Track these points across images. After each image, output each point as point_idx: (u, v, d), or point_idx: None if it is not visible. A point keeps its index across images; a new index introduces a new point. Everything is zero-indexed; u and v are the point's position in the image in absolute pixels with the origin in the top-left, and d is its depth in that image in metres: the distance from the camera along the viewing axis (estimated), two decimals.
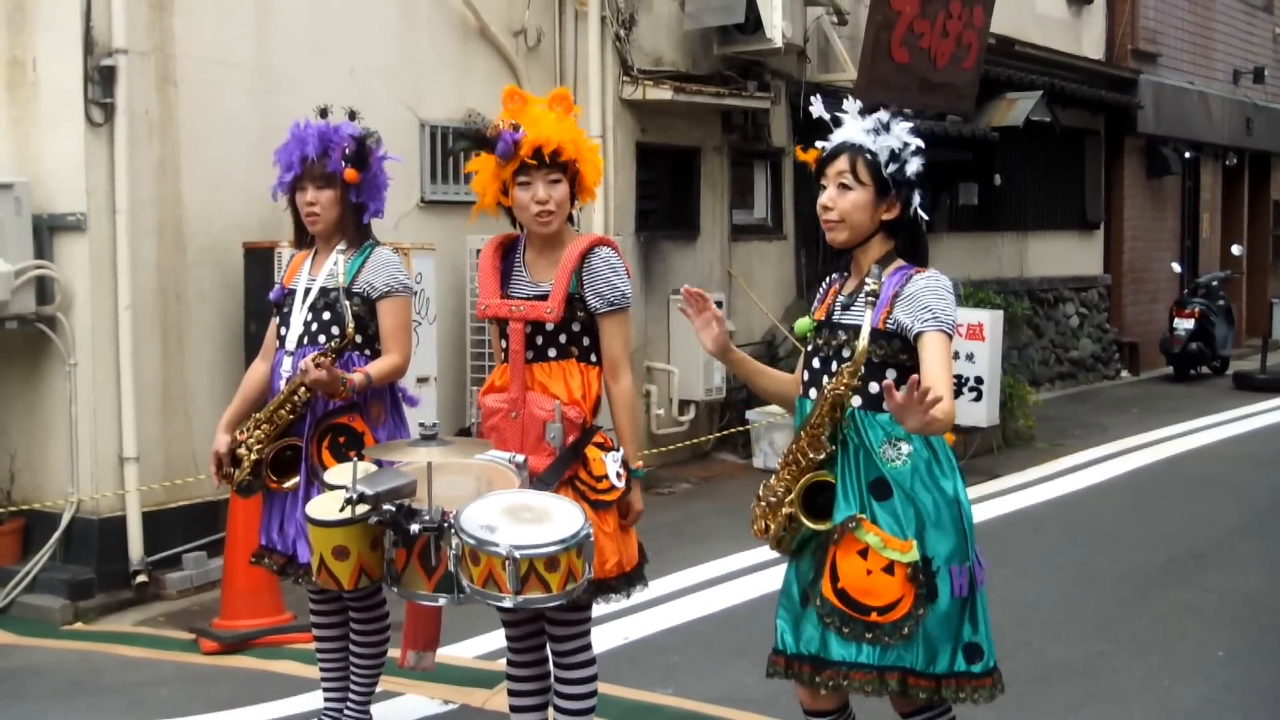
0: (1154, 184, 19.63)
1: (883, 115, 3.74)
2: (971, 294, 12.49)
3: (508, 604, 3.70)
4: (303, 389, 4.57)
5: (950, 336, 3.58)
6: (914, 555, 3.52)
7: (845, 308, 3.71)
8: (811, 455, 3.59)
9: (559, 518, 3.77)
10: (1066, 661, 6.30)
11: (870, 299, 3.54)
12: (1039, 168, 16.88)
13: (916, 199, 3.69)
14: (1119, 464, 11.76)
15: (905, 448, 3.58)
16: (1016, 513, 9.72)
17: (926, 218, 3.73)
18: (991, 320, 11.12)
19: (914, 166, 3.67)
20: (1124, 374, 18.66)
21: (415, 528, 3.81)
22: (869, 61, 11.56)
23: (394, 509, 3.85)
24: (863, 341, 3.51)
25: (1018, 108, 14.66)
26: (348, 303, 4.62)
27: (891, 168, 3.67)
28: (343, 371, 4.52)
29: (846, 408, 3.59)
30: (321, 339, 4.68)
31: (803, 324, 3.83)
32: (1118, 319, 18.86)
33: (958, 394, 10.65)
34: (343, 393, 4.54)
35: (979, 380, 11.00)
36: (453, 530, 3.74)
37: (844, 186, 3.69)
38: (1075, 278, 17.81)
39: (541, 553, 3.66)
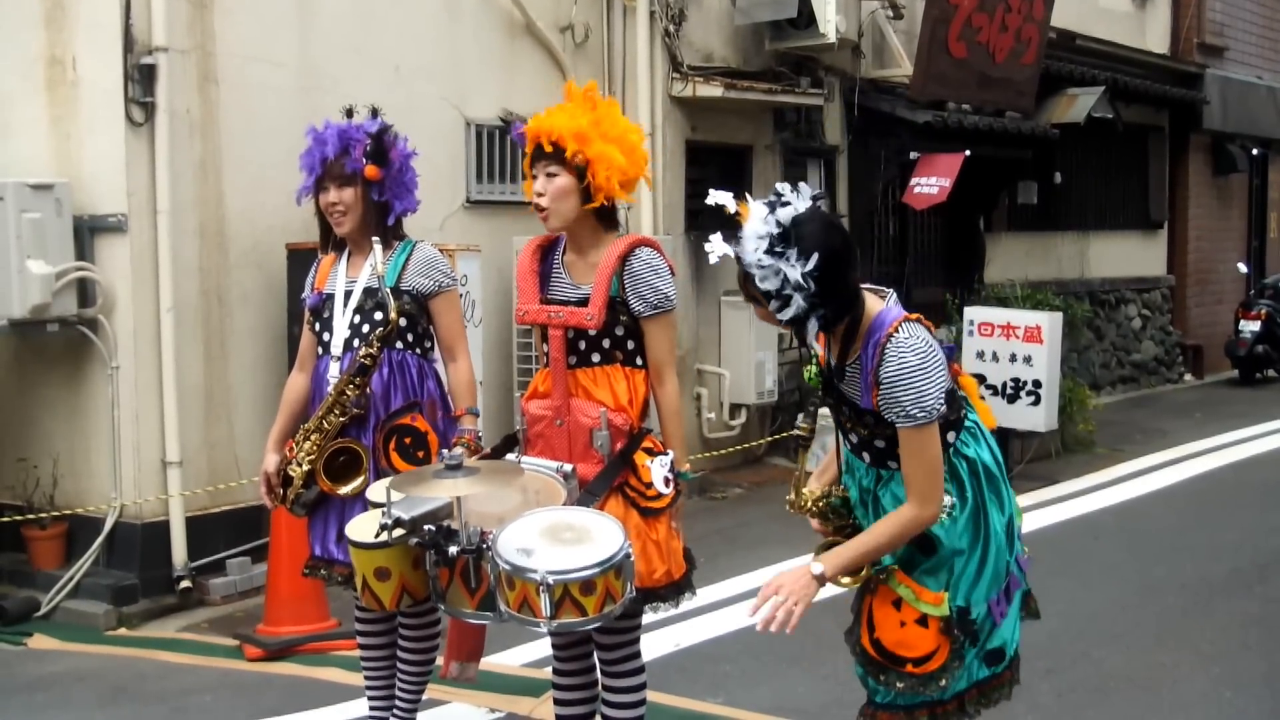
0: (1220, 182, 19.34)
1: (774, 228, 3.45)
2: (1030, 295, 12.35)
3: (543, 629, 3.65)
4: (350, 388, 4.48)
5: (929, 420, 3.27)
6: (945, 609, 3.41)
7: (839, 376, 3.47)
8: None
9: (599, 538, 3.67)
10: (1127, 673, 6.17)
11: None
12: (1101, 166, 16.65)
13: (794, 307, 3.28)
14: (1181, 470, 11.54)
15: (947, 500, 3.37)
16: (1075, 520, 9.56)
17: (786, 322, 3.32)
18: (1050, 322, 10.95)
19: (794, 276, 3.31)
20: (1187, 377, 18.41)
21: (453, 550, 3.72)
22: (925, 56, 11.38)
23: (433, 531, 3.76)
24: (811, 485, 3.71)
25: (1079, 104, 14.45)
26: (388, 290, 4.52)
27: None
28: (460, 435, 4.56)
29: (833, 501, 3.68)
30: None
31: (810, 374, 3.60)
32: (1181, 321, 18.59)
33: (1015, 398, 10.52)
34: (474, 445, 4.51)
35: (1037, 384, 10.84)
36: (490, 553, 3.66)
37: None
38: (1138, 279, 17.57)
39: (576, 577, 3.56)
